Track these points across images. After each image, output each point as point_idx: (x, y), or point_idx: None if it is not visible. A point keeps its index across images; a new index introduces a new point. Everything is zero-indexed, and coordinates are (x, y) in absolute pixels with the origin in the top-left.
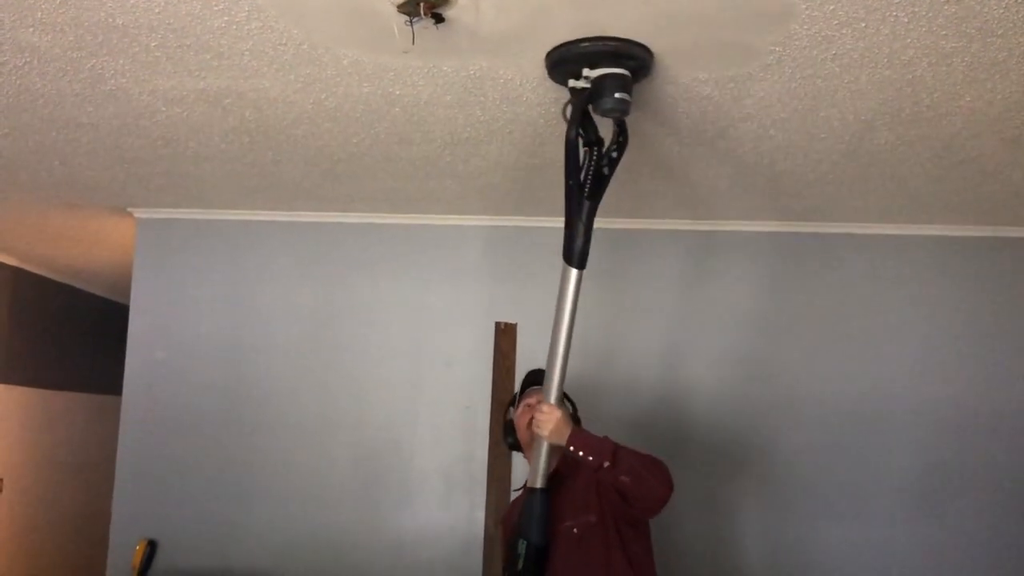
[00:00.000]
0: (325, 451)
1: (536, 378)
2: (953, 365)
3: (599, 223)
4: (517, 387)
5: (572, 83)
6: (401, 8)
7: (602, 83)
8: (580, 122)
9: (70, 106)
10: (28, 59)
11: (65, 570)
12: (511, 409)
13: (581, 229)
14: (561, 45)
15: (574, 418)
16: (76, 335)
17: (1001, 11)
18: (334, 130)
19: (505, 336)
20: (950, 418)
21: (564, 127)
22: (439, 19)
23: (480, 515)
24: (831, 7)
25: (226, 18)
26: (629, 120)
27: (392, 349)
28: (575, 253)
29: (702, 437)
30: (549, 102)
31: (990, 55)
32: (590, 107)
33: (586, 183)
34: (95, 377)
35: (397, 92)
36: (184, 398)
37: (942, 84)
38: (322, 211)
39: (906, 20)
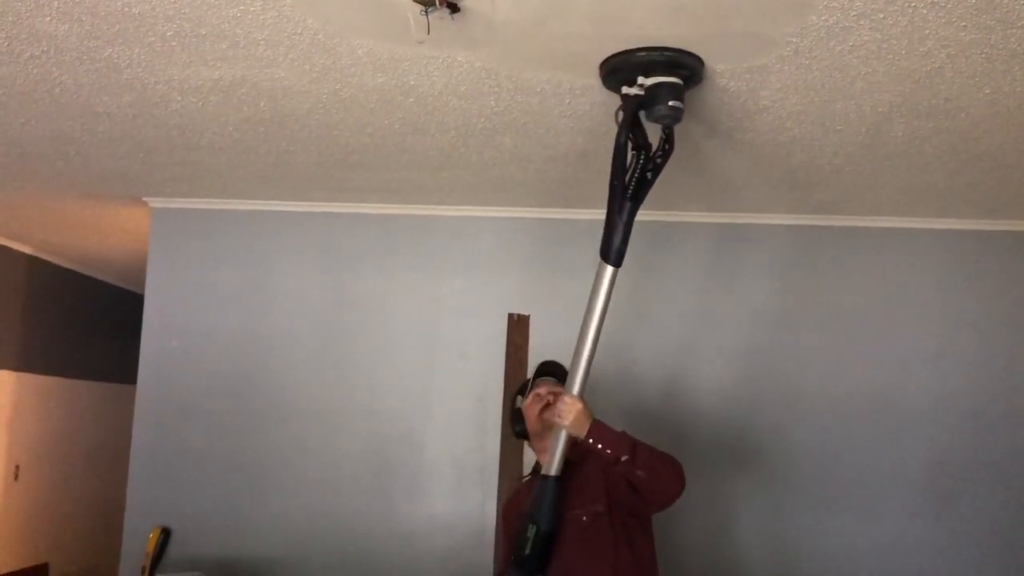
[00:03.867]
0: (338, 441)
1: (549, 369)
2: (966, 360)
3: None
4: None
5: (625, 89)
6: None
7: (656, 91)
8: (630, 126)
9: (86, 95)
10: (45, 48)
11: (80, 556)
12: (520, 398)
13: (621, 228)
14: (617, 54)
15: None
16: (91, 324)
17: (1021, 3)
18: (348, 120)
19: (518, 328)
20: (962, 414)
21: (578, 119)
22: (454, 9)
23: (491, 506)
24: None
25: (242, 7)
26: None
27: (405, 340)
28: (613, 251)
29: (711, 430)
30: (563, 93)
31: (1009, 47)
32: (641, 113)
33: (630, 184)
34: (110, 366)
35: (412, 82)
36: (198, 387)
37: (960, 76)
38: (336, 201)
39: (925, 11)
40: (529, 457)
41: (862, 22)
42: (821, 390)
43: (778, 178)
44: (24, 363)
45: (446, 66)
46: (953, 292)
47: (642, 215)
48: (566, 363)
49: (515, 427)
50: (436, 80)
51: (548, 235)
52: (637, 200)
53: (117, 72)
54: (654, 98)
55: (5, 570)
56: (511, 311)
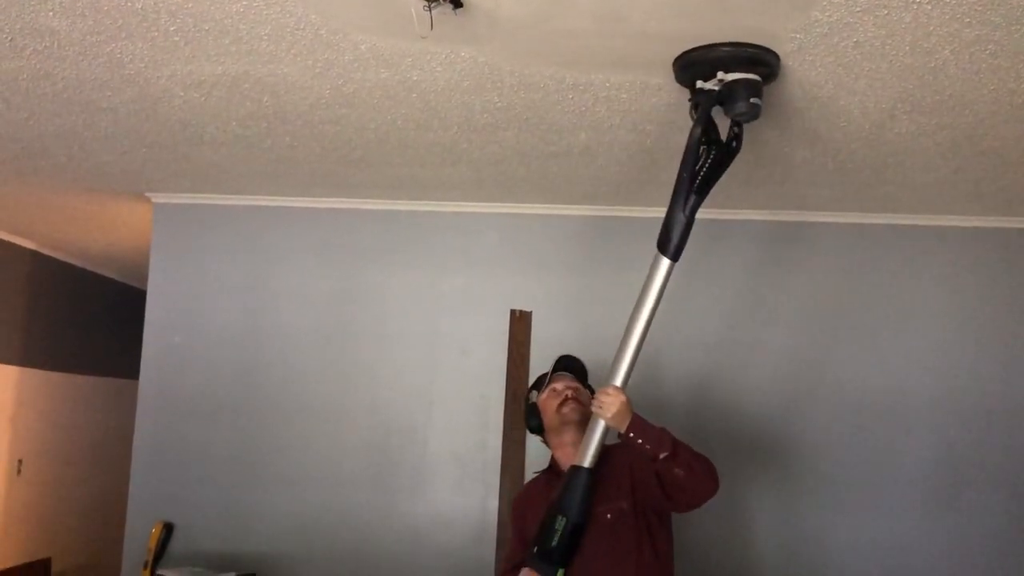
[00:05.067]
0: (340, 437)
1: (568, 364)
2: (973, 357)
3: (625, 210)
4: (532, 376)
5: (700, 84)
6: None
7: (734, 87)
8: (704, 121)
9: (89, 90)
10: (48, 43)
11: (82, 551)
12: (535, 392)
13: (682, 221)
14: (694, 49)
15: None
16: (93, 319)
17: None
18: (351, 116)
19: (520, 324)
20: (969, 410)
21: (581, 114)
22: (457, 4)
23: (493, 502)
24: None
25: (244, 2)
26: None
27: (407, 336)
28: (671, 244)
29: (722, 428)
30: (566, 88)
31: (1014, 43)
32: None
33: (698, 177)
34: (112, 361)
35: (414, 78)
36: (200, 383)
37: (965, 72)
38: (338, 197)
39: (929, 7)
40: (532, 452)
41: (866, 18)
42: (829, 387)
43: (779, 175)
44: (27, 358)
45: (449, 61)
46: (959, 290)
47: (639, 211)
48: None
49: (530, 422)
50: (439, 76)
51: (550, 231)
52: (702, 195)
53: (120, 67)
54: (732, 94)
55: (8, 564)
56: (513, 307)
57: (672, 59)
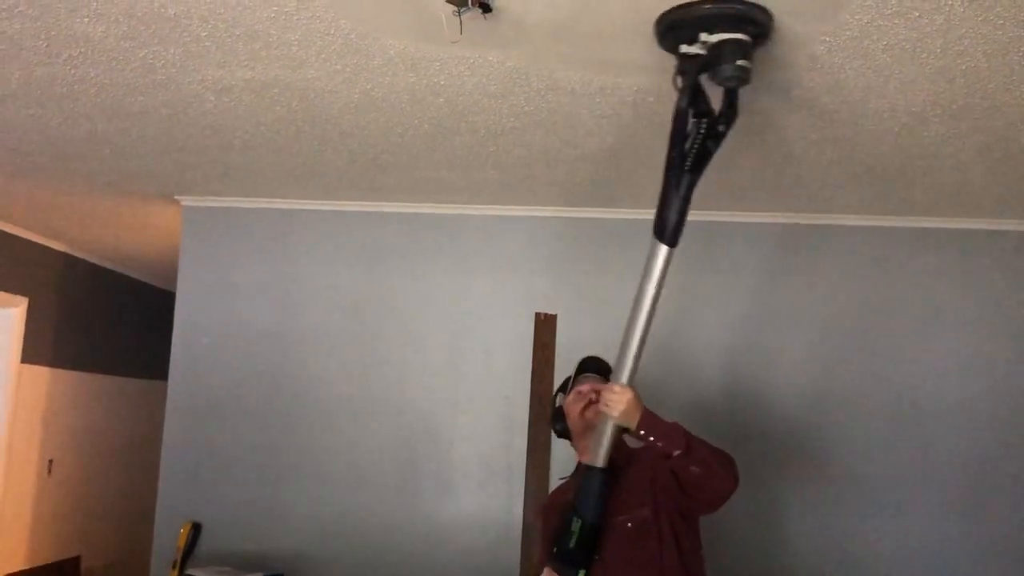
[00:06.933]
0: (365, 438)
1: (591, 365)
2: (1001, 360)
3: (651, 213)
4: (557, 379)
5: (684, 48)
6: None
7: (720, 49)
8: (691, 91)
9: (121, 95)
10: (82, 49)
11: (111, 550)
12: (560, 395)
13: (677, 203)
14: (678, 7)
15: None
16: (123, 320)
17: None
18: (379, 120)
19: (545, 327)
20: (998, 413)
21: (606, 118)
22: (487, 9)
23: (518, 504)
24: None
25: (275, 8)
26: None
27: (433, 338)
28: (667, 228)
29: (763, 430)
30: (594, 92)
31: None
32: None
33: (690, 154)
34: (141, 362)
35: (442, 82)
36: (228, 383)
37: (997, 75)
38: (366, 200)
39: (961, 10)
40: (557, 455)
41: (897, 21)
42: (858, 390)
43: (809, 177)
44: (58, 359)
45: (477, 66)
46: (990, 294)
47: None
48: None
49: (556, 425)
50: (467, 80)
51: (576, 234)
52: (697, 172)
53: (152, 72)
54: (719, 57)
55: (38, 562)
56: (538, 310)
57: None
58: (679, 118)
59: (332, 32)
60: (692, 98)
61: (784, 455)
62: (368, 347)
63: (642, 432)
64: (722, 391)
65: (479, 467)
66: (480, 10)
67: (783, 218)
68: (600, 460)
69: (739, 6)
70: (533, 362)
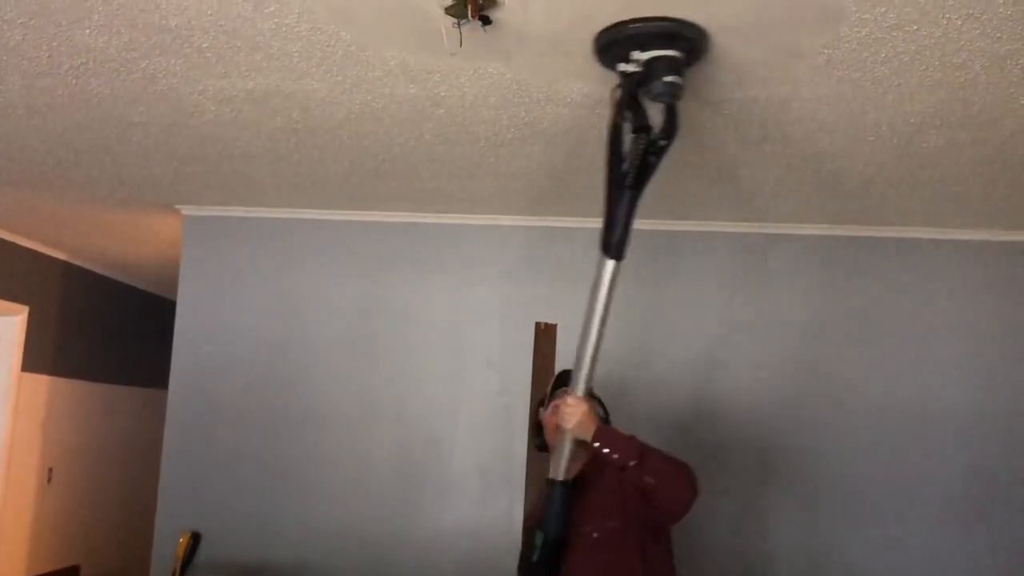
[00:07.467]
0: (366, 447)
1: (567, 379)
2: (999, 371)
3: (650, 224)
4: None
5: (622, 67)
6: (449, 10)
7: (653, 66)
8: (628, 107)
9: (123, 105)
10: (84, 60)
11: (111, 559)
12: (542, 409)
13: (622, 219)
14: (612, 26)
15: (604, 421)
16: (124, 329)
17: None
18: (379, 130)
19: (545, 336)
20: (995, 424)
21: (607, 129)
22: (486, 21)
23: (518, 513)
24: (882, 9)
25: (276, 20)
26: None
27: (433, 347)
28: (613, 244)
29: (743, 441)
30: (593, 103)
31: None
32: (640, 92)
33: (630, 171)
34: (142, 370)
35: (442, 93)
36: (228, 392)
37: (995, 87)
38: (366, 210)
39: (959, 23)
40: None
41: (895, 33)
42: (852, 401)
43: (809, 188)
44: (58, 368)
45: (477, 77)
46: (986, 304)
47: (671, 225)
48: (598, 375)
49: (537, 440)
50: (467, 91)
51: (576, 244)
52: (638, 188)
53: (153, 83)
54: (651, 74)
55: (38, 571)
56: (538, 319)
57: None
58: (613, 134)
59: (333, 43)
60: (633, 114)
61: (777, 468)
62: (368, 356)
63: (596, 444)
64: (709, 404)
65: (479, 477)
66: (480, 22)
67: (788, 229)
68: (561, 473)
69: (665, 24)
70: (533, 371)
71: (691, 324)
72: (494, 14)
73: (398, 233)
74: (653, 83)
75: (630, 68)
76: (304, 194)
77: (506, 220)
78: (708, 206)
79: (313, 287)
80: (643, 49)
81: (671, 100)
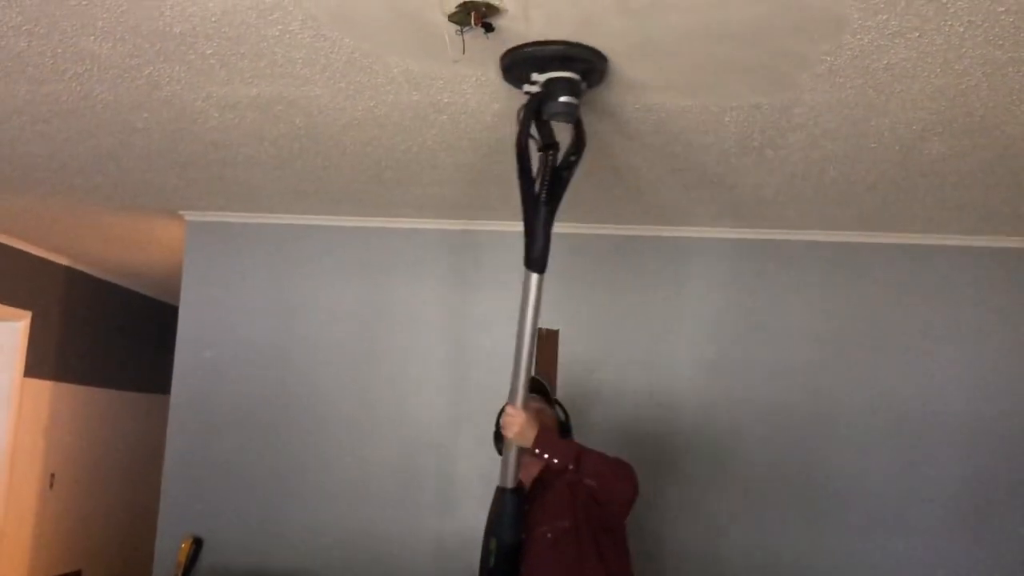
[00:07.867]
0: (368, 453)
1: (534, 386)
2: (999, 378)
3: (645, 231)
4: (559, 392)
5: (526, 87)
6: (452, 17)
7: (552, 87)
8: (531, 126)
9: (126, 112)
10: (88, 66)
11: (112, 564)
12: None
13: (541, 233)
14: (511, 49)
15: (564, 426)
16: (126, 335)
17: None
18: (382, 137)
19: (547, 342)
20: (995, 432)
21: (609, 135)
22: (489, 28)
23: None
24: (884, 17)
25: (280, 27)
26: (682, 128)
27: (435, 353)
28: (535, 258)
29: (741, 451)
30: (595, 111)
31: None
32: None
33: (543, 188)
34: (144, 376)
35: (445, 100)
36: (231, 398)
37: (997, 94)
38: (368, 216)
39: (961, 30)
40: None
41: (897, 41)
42: (854, 408)
43: (811, 194)
44: (61, 373)
45: (480, 84)
46: (989, 310)
47: (669, 231)
48: (597, 378)
49: (496, 444)
50: (470, 97)
51: (578, 250)
52: (553, 203)
53: (157, 89)
54: (550, 94)
55: None
56: (540, 325)
57: None
58: (520, 153)
59: (336, 50)
60: (539, 133)
61: (776, 474)
62: (370, 362)
63: (537, 451)
64: (711, 413)
65: (480, 482)
66: (483, 29)
67: (791, 235)
68: (508, 481)
69: (559, 47)
70: (535, 378)
71: (692, 330)
72: (496, 21)
73: (400, 239)
74: (549, 103)
75: (533, 89)
76: (307, 200)
77: (509, 226)
78: (708, 212)
79: (316, 292)
80: (542, 71)
81: (567, 120)
